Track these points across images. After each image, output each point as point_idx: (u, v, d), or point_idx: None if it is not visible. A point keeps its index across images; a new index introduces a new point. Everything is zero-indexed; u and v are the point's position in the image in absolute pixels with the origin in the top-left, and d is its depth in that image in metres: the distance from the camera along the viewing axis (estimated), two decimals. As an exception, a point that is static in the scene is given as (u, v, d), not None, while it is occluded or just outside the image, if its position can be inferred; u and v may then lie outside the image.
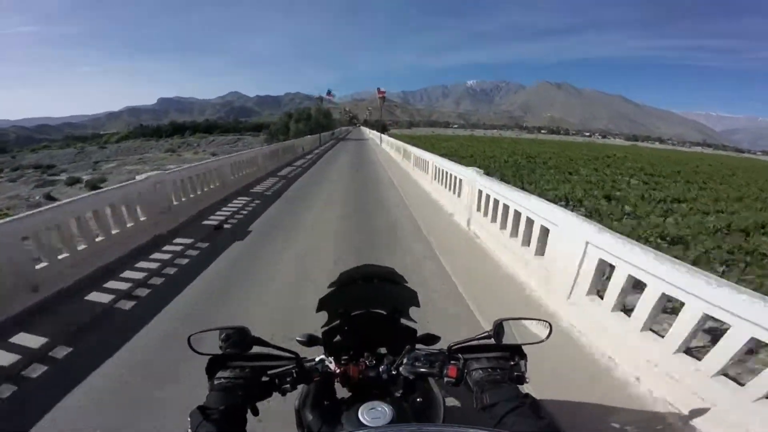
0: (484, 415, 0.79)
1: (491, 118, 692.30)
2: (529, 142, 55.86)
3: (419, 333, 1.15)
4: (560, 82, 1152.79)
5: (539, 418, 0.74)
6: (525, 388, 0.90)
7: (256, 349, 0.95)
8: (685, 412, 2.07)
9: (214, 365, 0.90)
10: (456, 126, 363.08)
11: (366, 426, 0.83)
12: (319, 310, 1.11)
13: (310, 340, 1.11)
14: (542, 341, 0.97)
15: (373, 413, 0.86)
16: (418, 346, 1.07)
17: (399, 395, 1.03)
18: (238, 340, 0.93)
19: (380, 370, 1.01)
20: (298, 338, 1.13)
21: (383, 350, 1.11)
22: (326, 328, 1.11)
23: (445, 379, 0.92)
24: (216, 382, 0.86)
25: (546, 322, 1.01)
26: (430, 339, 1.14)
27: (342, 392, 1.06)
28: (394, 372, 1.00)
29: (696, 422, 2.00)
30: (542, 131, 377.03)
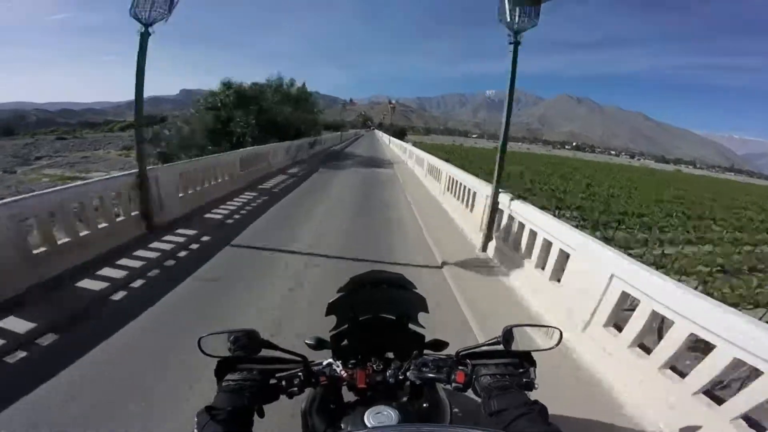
0: (491, 420, 0.77)
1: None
2: (597, 167, 41.57)
3: (427, 339, 1.13)
4: (581, 97, 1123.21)
5: (547, 425, 0.72)
6: (533, 395, 0.85)
7: (264, 352, 0.92)
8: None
9: (222, 367, 0.90)
10: (475, 135, 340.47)
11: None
12: (328, 314, 1.09)
13: (319, 344, 1.10)
14: (552, 348, 0.95)
15: (379, 417, 0.86)
16: (425, 351, 1.07)
17: (405, 400, 1.02)
18: (247, 343, 0.90)
19: (387, 374, 0.99)
20: (306, 341, 1.11)
21: (391, 355, 1.08)
22: (334, 332, 1.09)
23: (453, 384, 0.92)
24: (224, 383, 0.86)
25: (557, 329, 0.98)
26: (438, 345, 1.11)
27: (349, 396, 1.03)
28: (401, 377, 0.99)
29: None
30: (566, 147, 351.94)
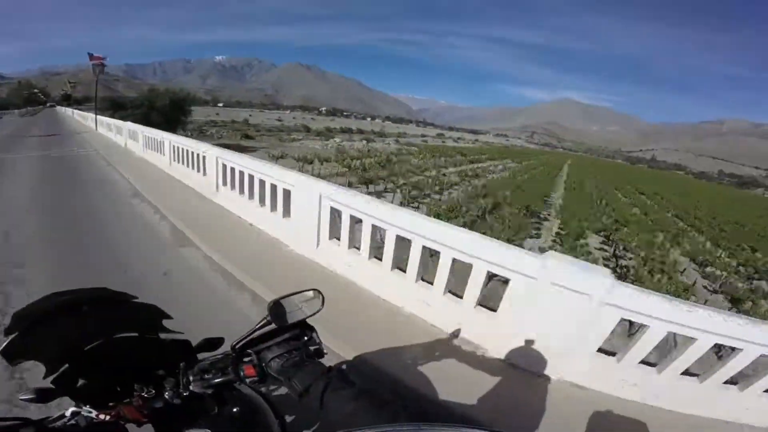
0: (305, 402, 0.77)
1: (243, 96, 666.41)
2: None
3: (196, 342, 0.97)
4: (310, 65, 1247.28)
5: (350, 385, 0.82)
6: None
7: None
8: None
9: None
10: (220, 104, 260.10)
11: None
12: (14, 362, 0.77)
13: (44, 395, 0.78)
14: (320, 310, 0.96)
15: None
16: (201, 355, 0.94)
17: (214, 413, 0.92)
18: None
19: (166, 396, 0.86)
20: (22, 397, 0.78)
21: (161, 373, 0.91)
22: (54, 376, 0.81)
23: (248, 380, 0.83)
24: None
25: (317, 290, 0.99)
26: (212, 344, 0.97)
27: None
28: (186, 393, 0.86)
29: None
30: (343, 115, 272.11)
